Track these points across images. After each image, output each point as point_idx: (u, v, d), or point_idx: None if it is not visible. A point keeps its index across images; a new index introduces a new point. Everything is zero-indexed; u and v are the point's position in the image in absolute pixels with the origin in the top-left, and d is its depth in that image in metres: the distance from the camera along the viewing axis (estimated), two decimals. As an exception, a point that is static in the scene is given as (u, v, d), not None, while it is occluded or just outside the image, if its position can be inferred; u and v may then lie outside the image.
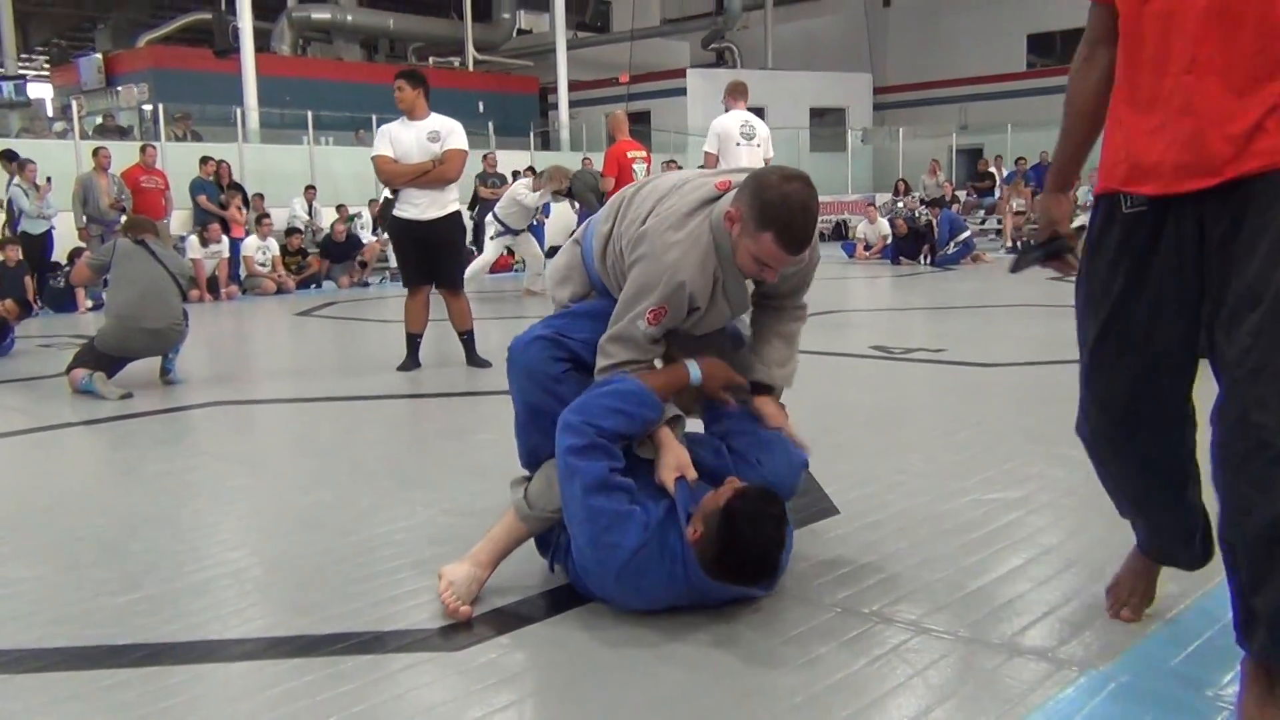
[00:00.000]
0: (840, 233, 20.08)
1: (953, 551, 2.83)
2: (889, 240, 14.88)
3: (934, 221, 14.42)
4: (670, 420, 2.53)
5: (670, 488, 2.42)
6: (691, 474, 2.46)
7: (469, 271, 10.77)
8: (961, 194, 19.24)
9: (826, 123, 25.11)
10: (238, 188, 13.65)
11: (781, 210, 2.36)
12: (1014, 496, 3.31)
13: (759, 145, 8.00)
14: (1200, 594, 2.46)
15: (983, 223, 18.49)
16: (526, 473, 2.66)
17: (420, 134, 5.96)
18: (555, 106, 22.98)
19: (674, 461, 2.46)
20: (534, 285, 11.17)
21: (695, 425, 2.76)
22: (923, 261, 14.18)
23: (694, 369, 2.58)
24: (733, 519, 2.29)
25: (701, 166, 8.36)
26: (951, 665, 2.19)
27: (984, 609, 2.45)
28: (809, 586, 2.60)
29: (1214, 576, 2.56)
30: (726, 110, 8.13)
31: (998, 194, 18.62)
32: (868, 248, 15.53)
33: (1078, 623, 2.35)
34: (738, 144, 7.96)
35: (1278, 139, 1.77)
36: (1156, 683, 2.05)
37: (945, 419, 4.59)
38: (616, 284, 2.62)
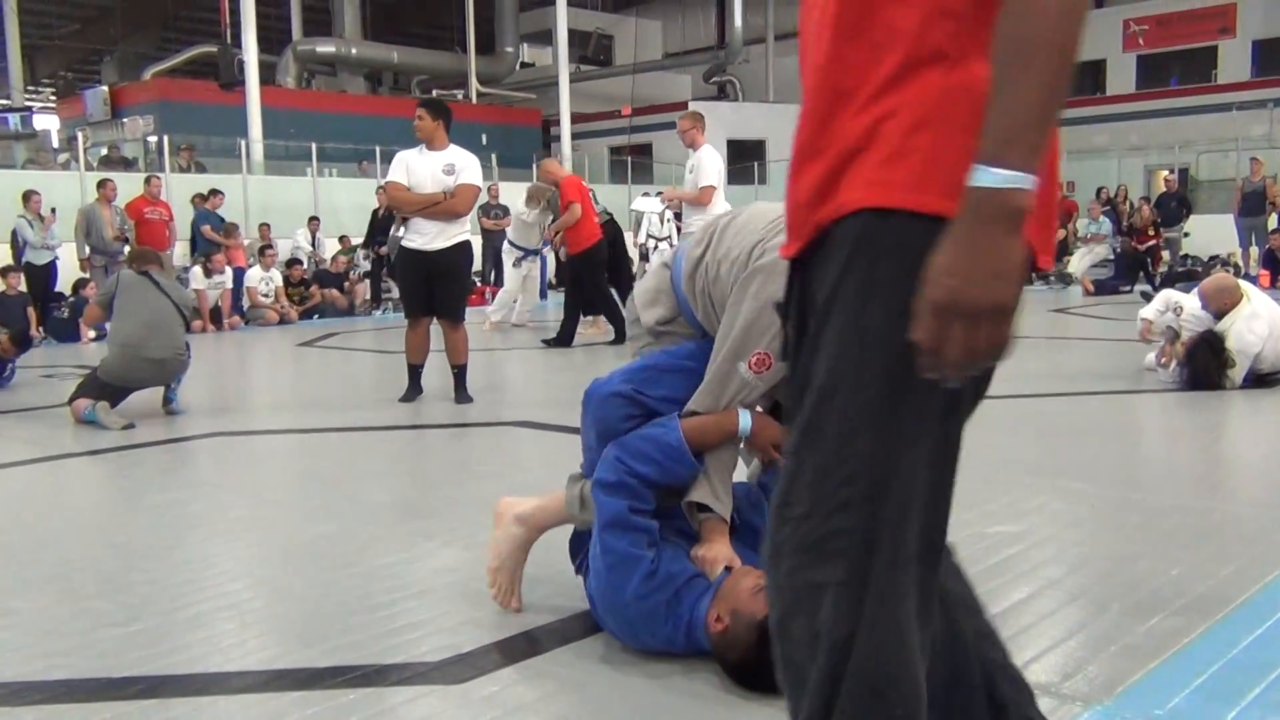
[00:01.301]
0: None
1: (955, 585, 2.82)
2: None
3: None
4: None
5: (712, 577, 2.38)
6: (737, 563, 2.43)
7: (497, 303, 10.81)
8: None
9: (827, 155, 25.21)
10: (233, 226, 13.67)
11: None
12: (1016, 530, 3.31)
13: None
14: (1203, 629, 2.45)
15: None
16: (583, 472, 2.67)
17: (436, 165, 5.99)
18: (558, 139, 23.12)
19: (722, 556, 2.43)
20: (524, 319, 11.12)
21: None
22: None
23: (745, 419, 2.50)
24: (767, 645, 2.23)
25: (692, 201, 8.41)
26: (955, 700, 2.18)
27: (987, 643, 2.44)
28: (811, 620, 2.59)
29: (1217, 611, 2.56)
30: (695, 145, 8.21)
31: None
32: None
33: (1082, 657, 2.34)
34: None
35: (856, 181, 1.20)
36: (1161, 717, 2.04)
37: (947, 451, 4.57)
38: (703, 308, 2.58)
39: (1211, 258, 15.42)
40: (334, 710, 2.17)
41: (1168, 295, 6.42)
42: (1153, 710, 2.07)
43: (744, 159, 22.86)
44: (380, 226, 13.54)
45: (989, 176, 1.08)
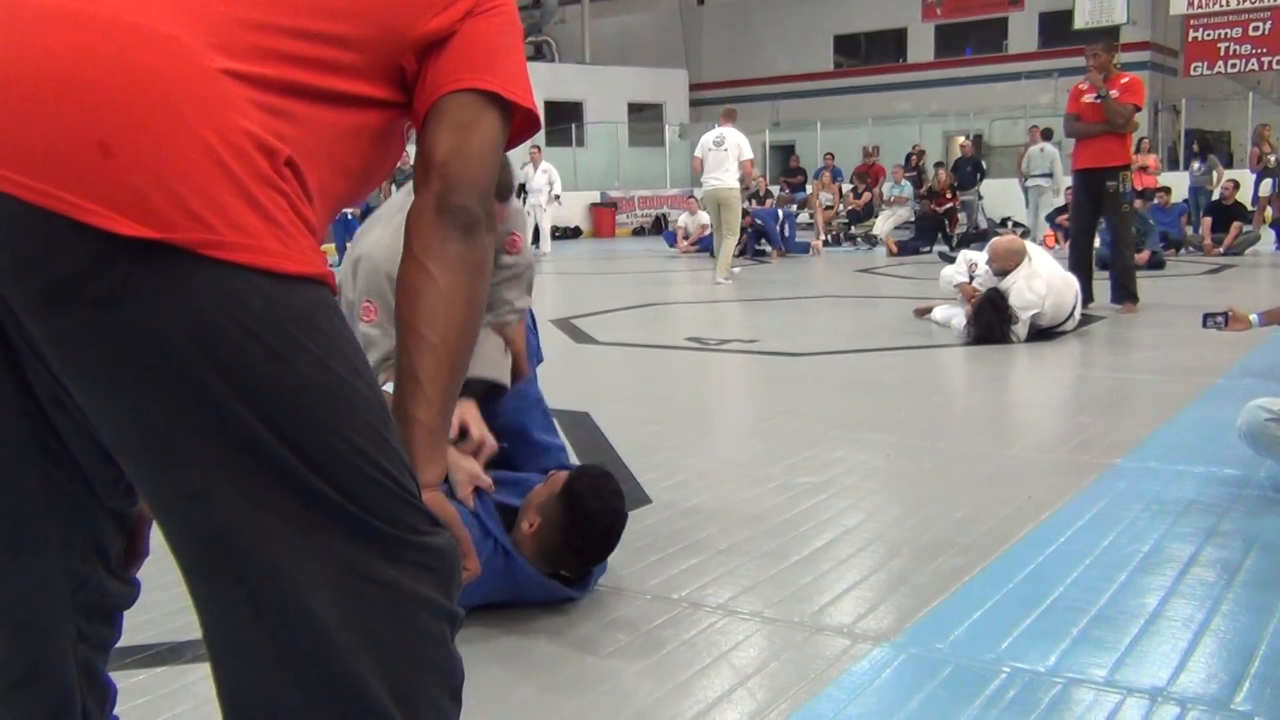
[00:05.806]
0: (660, 226, 20.38)
1: (759, 536, 2.93)
2: (707, 230, 15.25)
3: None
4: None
5: (470, 503, 2.36)
6: (486, 481, 2.42)
7: None
8: (775, 188, 19.82)
9: (644, 118, 25.41)
10: None
11: None
12: (818, 481, 3.45)
13: (726, 150, 10.22)
14: (981, 567, 2.62)
15: (795, 217, 19.09)
16: None
17: None
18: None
19: (464, 476, 2.40)
20: None
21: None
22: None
23: None
24: (576, 498, 2.35)
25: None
26: (756, 645, 2.26)
27: (788, 590, 2.55)
28: (621, 575, 2.64)
29: (995, 549, 2.74)
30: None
31: (808, 189, 19.28)
32: (686, 237, 16.00)
33: (874, 598, 2.47)
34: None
35: None
36: (943, 650, 2.18)
37: (755, 408, 4.73)
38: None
39: (1004, 219, 16.34)
40: (120, 692, 2.06)
41: (966, 256, 6.80)
42: (935, 644, 2.20)
43: (562, 120, 22.75)
44: None
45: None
